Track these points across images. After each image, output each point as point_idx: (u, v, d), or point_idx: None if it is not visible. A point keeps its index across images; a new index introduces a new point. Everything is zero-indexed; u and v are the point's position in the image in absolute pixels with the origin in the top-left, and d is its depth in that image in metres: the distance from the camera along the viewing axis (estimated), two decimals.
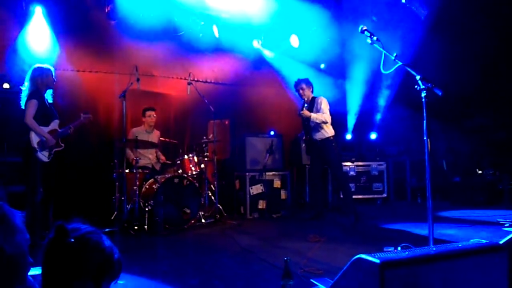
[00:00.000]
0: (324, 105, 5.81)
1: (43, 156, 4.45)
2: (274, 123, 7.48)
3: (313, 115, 5.71)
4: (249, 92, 7.79)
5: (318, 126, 5.81)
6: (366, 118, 8.76)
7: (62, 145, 4.70)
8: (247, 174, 6.53)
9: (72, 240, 1.33)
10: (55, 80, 4.63)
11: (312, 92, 6.00)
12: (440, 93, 3.14)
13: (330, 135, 5.83)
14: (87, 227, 1.41)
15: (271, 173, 6.69)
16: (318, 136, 5.85)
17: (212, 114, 6.27)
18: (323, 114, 5.73)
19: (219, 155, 6.74)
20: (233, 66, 7.57)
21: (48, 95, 4.64)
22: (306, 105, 5.86)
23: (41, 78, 4.47)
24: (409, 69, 3.27)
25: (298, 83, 5.99)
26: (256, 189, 6.55)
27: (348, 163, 7.68)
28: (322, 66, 8.54)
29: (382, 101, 8.71)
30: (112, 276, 1.41)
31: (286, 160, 7.24)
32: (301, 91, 5.96)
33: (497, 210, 6.25)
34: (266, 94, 7.74)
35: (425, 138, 3.09)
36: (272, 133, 7.17)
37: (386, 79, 8.34)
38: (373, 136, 8.75)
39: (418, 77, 3.18)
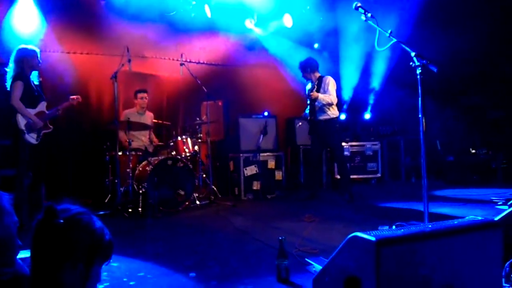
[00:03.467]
0: (331, 86, 5.80)
1: (31, 138, 4.40)
2: (268, 104, 7.44)
3: (321, 96, 5.70)
4: (243, 73, 7.70)
5: (323, 107, 5.81)
6: (361, 98, 8.75)
7: (51, 127, 4.64)
8: (241, 155, 6.53)
9: (61, 221, 1.30)
10: (41, 61, 4.53)
11: (318, 71, 5.98)
12: (435, 70, 3.12)
13: (334, 116, 5.85)
14: (77, 207, 1.38)
15: (265, 154, 6.69)
16: (323, 116, 5.84)
17: (205, 95, 6.22)
18: (330, 96, 5.73)
19: (213, 136, 6.72)
20: (226, 47, 7.48)
21: (34, 77, 4.55)
22: (314, 85, 5.82)
23: (26, 60, 4.37)
24: (403, 46, 3.23)
25: (303, 67, 5.97)
26: (251, 170, 6.54)
27: (343, 143, 7.60)
28: (316, 45, 8.49)
29: (376, 81, 8.69)
30: (104, 257, 1.39)
31: (280, 141, 7.25)
32: (307, 75, 5.96)
33: (491, 188, 6.29)
34: (260, 75, 7.66)
35: (420, 116, 3.07)
36: (266, 113, 7.15)
37: (381, 58, 8.29)
38: (367, 116, 8.76)
39: (413, 54, 3.15)
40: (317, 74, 5.94)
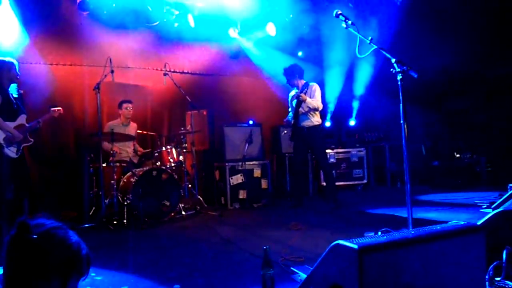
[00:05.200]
0: (318, 92, 5.82)
1: (11, 152, 4.31)
2: (253, 112, 7.44)
3: (309, 100, 5.69)
4: (227, 82, 7.72)
5: (307, 113, 5.81)
6: (345, 105, 8.80)
7: (31, 140, 4.55)
8: (226, 164, 6.51)
9: (35, 236, 1.26)
10: (19, 73, 4.45)
11: (303, 78, 5.98)
12: (415, 75, 3.12)
13: (318, 123, 5.87)
14: (52, 222, 1.35)
15: (251, 163, 6.67)
16: (306, 123, 5.84)
17: (189, 104, 6.18)
18: (317, 101, 5.75)
19: (198, 146, 6.69)
20: (209, 56, 7.46)
21: (13, 89, 4.46)
22: (302, 90, 5.81)
23: (3, 72, 4.30)
24: (384, 52, 3.24)
25: (289, 73, 5.96)
26: (236, 179, 6.53)
27: (328, 150, 7.66)
28: (300, 54, 8.53)
29: (360, 88, 8.77)
30: (80, 272, 1.35)
31: (265, 149, 7.22)
32: (293, 81, 5.97)
33: (475, 192, 6.35)
34: (244, 84, 7.70)
35: (401, 121, 3.07)
36: (250, 122, 7.15)
37: (365, 65, 8.38)
38: (352, 122, 8.82)
39: (393, 60, 3.15)
40: (303, 81, 5.95)
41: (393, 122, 8.01)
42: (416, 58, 5.94)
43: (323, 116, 7.20)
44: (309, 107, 5.74)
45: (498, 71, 7.32)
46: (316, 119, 5.88)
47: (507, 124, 7.16)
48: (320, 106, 5.81)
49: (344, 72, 8.54)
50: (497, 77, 7.37)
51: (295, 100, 5.89)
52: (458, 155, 7.74)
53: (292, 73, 5.95)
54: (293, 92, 6.08)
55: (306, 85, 5.82)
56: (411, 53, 6.33)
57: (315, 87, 5.85)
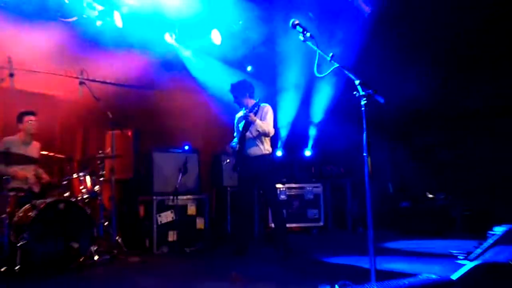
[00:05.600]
0: (270, 115, 5.88)
1: None
2: (189, 136, 7.46)
3: (259, 122, 5.70)
4: (159, 97, 7.68)
5: (256, 139, 5.84)
6: (300, 132, 8.96)
7: None
8: (154, 198, 6.44)
9: None
10: None
11: (253, 97, 6.01)
12: (382, 101, 3.23)
13: (267, 152, 5.90)
14: None
15: (184, 197, 6.66)
16: (254, 150, 5.85)
17: (110, 122, 6.08)
18: (269, 125, 5.79)
19: (119, 174, 6.50)
20: (139, 64, 7.36)
21: None
22: (251, 110, 5.81)
23: None
24: (347, 72, 3.34)
25: (238, 90, 6.00)
26: (166, 217, 6.47)
27: (279, 185, 7.74)
28: (249, 68, 8.65)
29: (319, 113, 9.00)
30: None
31: (203, 181, 7.25)
32: (242, 100, 6.00)
33: (450, 240, 6.56)
34: (180, 100, 7.67)
35: (364, 154, 3.14)
36: (186, 147, 7.13)
37: (325, 87, 8.62)
38: (307, 153, 8.98)
39: (357, 82, 3.25)
40: (253, 101, 5.96)
41: (356, 155, 8.18)
42: (382, 83, 6.18)
43: (273, 144, 7.29)
44: (259, 131, 5.76)
45: (467, 103, 7.74)
46: (266, 147, 5.91)
47: (486, 163, 7.50)
48: (272, 132, 5.86)
49: (300, 94, 8.73)
50: (467, 110, 7.78)
51: (242, 122, 5.91)
52: (431, 196, 8.02)
53: (241, 90, 5.98)
54: (240, 113, 6.11)
55: (256, 105, 5.84)
56: (377, 77, 6.58)
57: (267, 109, 5.90)
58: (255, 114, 5.78)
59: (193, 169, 6.91)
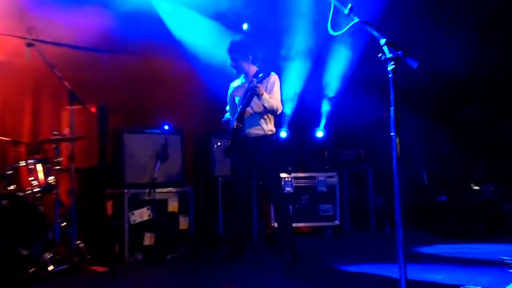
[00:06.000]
0: (277, 88, 5.89)
1: None
2: (170, 113, 7.46)
3: (266, 96, 5.66)
4: (131, 64, 7.54)
5: (258, 116, 5.84)
6: (310, 108, 8.95)
7: None
8: (125, 191, 6.37)
9: None
10: None
11: (257, 63, 5.98)
12: (415, 66, 3.07)
13: (271, 132, 5.95)
14: None
15: (164, 190, 6.64)
16: (254, 130, 5.84)
17: (68, 95, 5.90)
18: (277, 100, 5.82)
19: (81, 161, 6.39)
20: (104, 22, 7.25)
21: None
22: (259, 79, 5.71)
23: None
24: (369, 29, 3.20)
25: (240, 51, 5.93)
26: (141, 215, 6.42)
27: (283, 175, 7.66)
28: (245, 26, 8.55)
29: (333, 83, 8.90)
30: None
31: (188, 170, 7.27)
32: (243, 63, 5.95)
33: (501, 243, 6.52)
34: (158, 68, 7.61)
35: (392, 133, 3.02)
36: (166, 128, 7.15)
37: (340, 49, 8.56)
38: (319, 134, 8.89)
39: (382, 41, 3.09)
40: (255, 68, 5.95)
41: (380, 135, 8.09)
42: (413, 44, 6.17)
43: (277, 122, 7.15)
44: (265, 107, 5.72)
45: None
46: (269, 127, 5.91)
47: None
48: (280, 108, 5.86)
49: (310, 60, 8.67)
50: None
51: (239, 94, 5.90)
52: (476, 187, 7.90)
53: (243, 51, 5.93)
54: (237, 82, 6.09)
55: (265, 75, 5.78)
56: (407, 37, 6.48)
57: (274, 79, 5.89)
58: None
59: (175, 154, 6.89)
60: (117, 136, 6.73)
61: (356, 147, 8.66)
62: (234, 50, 5.97)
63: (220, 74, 6.53)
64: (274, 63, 8.23)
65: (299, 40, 8.38)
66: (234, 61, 5.98)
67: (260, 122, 5.87)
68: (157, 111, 7.46)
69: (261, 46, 6.51)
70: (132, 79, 7.43)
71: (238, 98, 5.93)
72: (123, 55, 7.68)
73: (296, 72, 8.58)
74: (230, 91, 6.15)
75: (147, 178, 6.52)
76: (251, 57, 5.94)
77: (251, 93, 5.69)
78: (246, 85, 5.86)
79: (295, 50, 8.55)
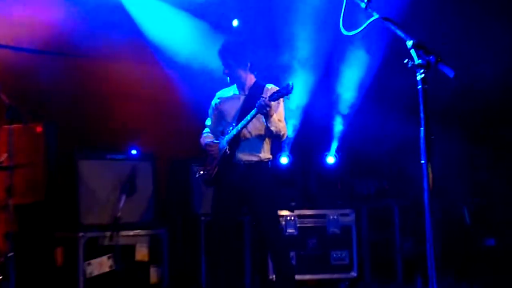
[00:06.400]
0: (282, 106, 5.84)
1: None
2: (139, 133, 7.54)
3: (275, 118, 5.56)
4: (89, 71, 7.62)
5: (255, 140, 5.78)
6: (318, 128, 8.86)
7: None
8: (80, 235, 6.41)
9: None
10: None
11: (254, 72, 5.95)
12: (451, 75, 2.90)
13: (267, 158, 5.87)
14: None
15: (131, 233, 6.73)
16: (247, 157, 5.76)
17: (7, 111, 5.86)
18: (285, 124, 5.81)
19: (22, 195, 6.36)
20: (54, 16, 7.25)
21: None
22: (242, 94, 5.76)
23: None
24: (393, 27, 3.06)
25: (234, 54, 5.80)
26: (100, 265, 6.48)
27: (284, 212, 7.62)
28: (236, 23, 8.50)
29: (347, 96, 8.79)
30: None
31: (161, 206, 7.33)
32: (239, 71, 5.83)
33: None
34: (124, 75, 7.64)
35: (422, 161, 2.86)
36: (134, 152, 7.22)
37: (356, 55, 8.46)
38: (330, 160, 8.73)
39: (409, 43, 2.95)
40: (253, 77, 5.88)
41: (407, 162, 7.97)
42: (450, 49, 6.25)
43: (276, 146, 7.19)
44: (271, 131, 5.60)
45: None
46: (266, 153, 5.85)
47: None
48: (287, 133, 5.84)
49: (318, 67, 8.60)
50: None
51: (230, 109, 5.83)
52: None
53: (241, 55, 5.84)
54: (227, 92, 5.99)
55: (259, 87, 5.76)
56: (442, 40, 6.63)
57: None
58: (255, 98, 5.62)
59: (144, 186, 6.98)
60: (69, 162, 6.76)
61: (377, 176, 8.60)
62: (228, 54, 5.83)
63: (204, 83, 6.61)
64: (272, 71, 8.08)
65: (304, 42, 8.32)
66: (228, 68, 5.84)
67: (256, 148, 5.76)
68: (122, 130, 7.50)
69: (256, 49, 6.49)
70: (90, 89, 7.46)
71: (226, 112, 5.82)
72: (79, 59, 7.69)
73: (301, 82, 8.40)
74: (215, 101, 6.01)
75: (109, 218, 6.56)
76: (249, 64, 5.83)
77: (259, 112, 5.52)
78: (242, 98, 5.79)
79: (299, 54, 8.44)
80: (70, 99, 7.33)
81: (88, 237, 6.38)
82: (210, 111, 6.03)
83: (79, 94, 7.42)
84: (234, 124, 5.69)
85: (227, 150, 5.70)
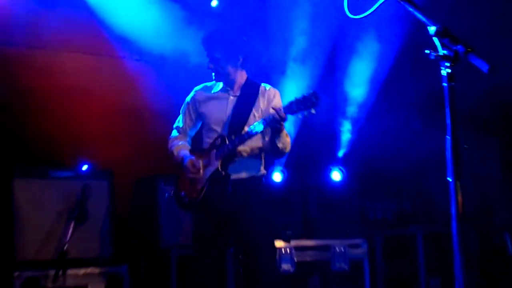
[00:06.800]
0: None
1: None
2: (92, 144, 7.64)
3: (285, 133, 5.61)
4: (26, 64, 7.56)
5: (252, 157, 5.77)
6: (320, 136, 8.87)
7: None
8: (16, 274, 6.38)
9: None
10: None
11: (245, 69, 5.90)
12: (485, 69, 2.80)
13: (262, 173, 5.90)
14: None
15: (81, 272, 6.70)
16: (245, 173, 5.72)
17: None
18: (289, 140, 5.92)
19: None
20: None
21: None
22: (231, 93, 5.71)
23: None
24: (411, 9, 3.01)
25: (222, 44, 5.73)
26: None
27: (278, 243, 7.49)
28: (215, 3, 8.42)
29: (357, 95, 8.89)
30: None
31: (121, 237, 7.44)
32: (228, 68, 5.73)
33: None
34: (73, 71, 7.63)
35: (448, 178, 2.78)
36: (85, 167, 7.33)
37: (366, 45, 8.55)
38: (335, 177, 8.72)
39: (432, 29, 2.87)
40: (244, 74, 5.87)
41: (433, 179, 8.14)
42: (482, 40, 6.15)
43: (267, 160, 7.00)
44: (278, 148, 5.56)
45: None
46: (261, 170, 5.89)
47: None
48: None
49: (320, 62, 8.72)
50: None
51: (215, 112, 5.77)
52: None
53: (233, 47, 5.79)
54: (209, 89, 5.95)
55: (255, 87, 5.76)
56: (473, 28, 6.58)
57: (278, 98, 5.85)
58: (251, 103, 5.70)
59: (98, 211, 7.05)
60: (2, 182, 6.79)
61: (396, 197, 8.58)
62: (215, 45, 5.76)
63: (178, 80, 6.65)
64: (262, 66, 8.31)
65: (303, 32, 8.40)
66: (214, 63, 5.74)
67: (254, 166, 5.75)
68: (70, 141, 7.56)
69: (250, 40, 6.40)
70: (28, 89, 7.35)
71: (209, 116, 5.71)
72: (10, 49, 7.60)
73: (299, 80, 8.59)
74: (192, 98, 5.90)
75: (53, 252, 6.58)
76: (241, 59, 5.74)
77: (269, 126, 5.44)
78: (231, 99, 5.72)
79: (297, 47, 8.54)
80: (2, 102, 7.28)
81: (26, 277, 6.32)
82: (183, 108, 5.93)
83: (14, 95, 7.37)
84: (232, 136, 5.54)
85: (219, 169, 5.59)
